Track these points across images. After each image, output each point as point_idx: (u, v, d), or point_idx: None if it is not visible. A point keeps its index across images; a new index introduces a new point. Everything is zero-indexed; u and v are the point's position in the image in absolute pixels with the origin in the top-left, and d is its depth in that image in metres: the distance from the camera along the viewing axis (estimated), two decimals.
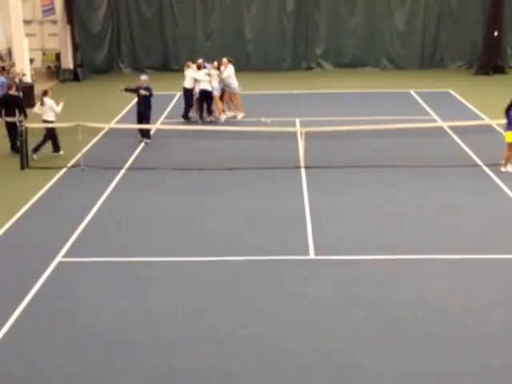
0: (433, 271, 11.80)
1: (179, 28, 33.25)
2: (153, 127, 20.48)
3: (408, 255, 12.39)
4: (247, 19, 32.97)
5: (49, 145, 18.89)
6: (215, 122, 21.96)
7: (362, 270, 11.89)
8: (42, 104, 18.77)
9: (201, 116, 22.19)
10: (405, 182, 16.41)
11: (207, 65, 22.41)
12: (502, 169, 16.91)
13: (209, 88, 21.81)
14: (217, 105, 22.27)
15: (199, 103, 22.24)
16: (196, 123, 21.86)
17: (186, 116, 22.41)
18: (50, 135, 18.84)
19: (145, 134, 19.91)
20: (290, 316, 10.36)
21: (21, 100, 19.84)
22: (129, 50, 33.49)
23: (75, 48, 32.16)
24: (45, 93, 19.06)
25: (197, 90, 22.09)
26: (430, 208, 14.72)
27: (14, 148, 19.00)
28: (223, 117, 22.20)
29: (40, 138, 18.75)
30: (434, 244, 12.87)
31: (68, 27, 32.09)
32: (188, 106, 22.51)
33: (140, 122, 19.90)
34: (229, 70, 22.34)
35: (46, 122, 18.79)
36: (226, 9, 32.97)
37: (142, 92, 19.77)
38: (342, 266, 12.05)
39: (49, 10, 31.71)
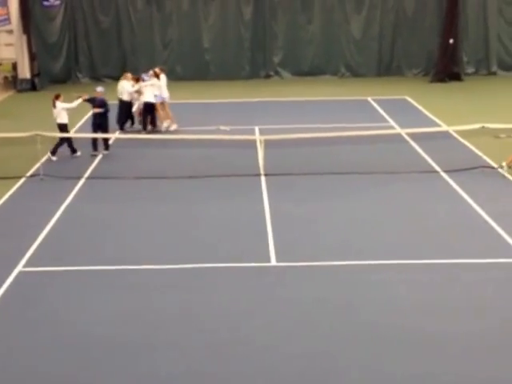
0: (393, 276, 11.95)
1: (137, 37, 33.16)
2: (112, 136, 20.41)
3: (369, 261, 12.52)
4: (205, 28, 33.03)
5: (6, 157, 18.70)
6: (158, 132, 21.90)
7: (322, 276, 12.01)
8: (54, 107, 19.03)
9: (144, 128, 21.88)
10: (364, 188, 16.58)
11: (145, 76, 22.09)
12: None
13: (152, 100, 21.71)
14: (158, 113, 22.21)
15: (143, 115, 21.96)
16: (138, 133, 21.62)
17: (122, 128, 22.08)
18: (64, 138, 19.11)
19: (104, 144, 19.77)
20: (254, 321, 10.42)
21: None
22: (86, 59, 33.28)
23: (32, 58, 31.91)
24: (57, 96, 19.35)
25: (140, 102, 21.97)
26: (389, 214, 14.91)
27: None
28: (165, 124, 22.21)
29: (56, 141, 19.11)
30: (395, 249, 13.03)
31: (24, 37, 31.80)
32: (126, 117, 22.22)
33: (96, 133, 19.71)
34: (162, 80, 22.28)
35: (59, 124, 19.07)
36: (183, 17, 32.99)
37: (96, 110, 19.47)
38: (303, 272, 12.15)
39: (4, 19, 31.38)
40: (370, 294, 11.25)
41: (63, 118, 19.12)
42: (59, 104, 19.09)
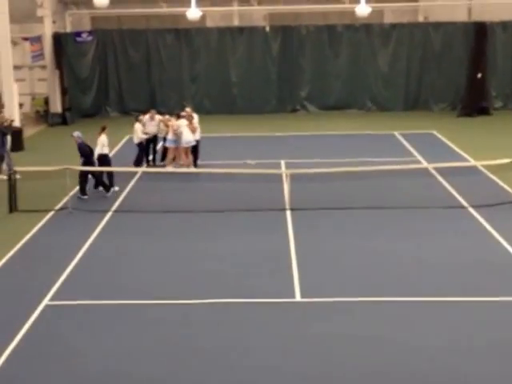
0: (419, 313, 11.86)
1: (165, 71, 33.63)
2: (139, 170, 20.66)
3: (394, 297, 12.43)
4: (232, 62, 33.40)
5: (38, 191, 18.93)
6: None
7: (347, 312, 11.94)
8: (100, 137, 19.56)
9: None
10: (390, 223, 16.53)
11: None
12: None
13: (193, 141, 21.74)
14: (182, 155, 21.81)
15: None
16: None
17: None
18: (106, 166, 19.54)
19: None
20: (277, 358, 10.38)
21: None
22: (116, 93, 33.79)
23: (64, 92, 32.51)
24: (103, 128, 19.89)
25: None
26: (416, 250, 14.80)
27: None
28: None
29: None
30: (421, 286, 12.93)
31: (57, 72, 32.45)
32: (141, 158, 22.16)
33: (96, 181, 19.49)
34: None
35: (99, 155, 19.42)
36: (211, 52, 33.42)
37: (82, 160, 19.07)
38: (327, 308, 12.11)
39: (38, 55, 32.06)
40: (396, 331, 11.15)
41: (103, 150, 19.56)
42: (102, 136, 19.59)
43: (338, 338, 10.94)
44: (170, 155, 21.76)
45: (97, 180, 19.43)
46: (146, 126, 22.11)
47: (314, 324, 11.46)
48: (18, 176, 18.36)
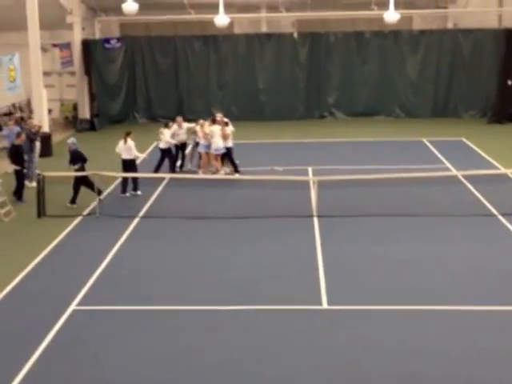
0: (445, 322, 11.73)
1: (193, 78, 33.72)
2: (167, 176, 20.72)
3: (421, 306, 12.30)
4: (260, 69, 33.41)
5: (65, 196, 19.03)
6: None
7: (375, 321, 11.84)
8: (125, 143, 19.76)
9: (236, 170, 21.74)
10: (418, 231, 16.39)
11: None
12: None
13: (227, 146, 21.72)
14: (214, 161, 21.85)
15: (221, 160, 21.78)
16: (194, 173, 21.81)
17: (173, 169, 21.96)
18: (133, 171, 19.96)
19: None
20: (304, 366, 10.31)
21: (22, 150, 20.17)
22: (144, 100, 33.95)
23: (92, 98, 32.77)
24: (128, 133, 20.20)
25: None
26: (443, 258, 14.65)
27: (16, 195, 19.63)
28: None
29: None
30: (447, 294, 12.79)
31: (85, 78, 32.71)
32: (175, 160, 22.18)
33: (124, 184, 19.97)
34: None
35: (125, 160, 19.80)
36: (239, 59, 33.46)
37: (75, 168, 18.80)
38: (355, 316, 12.01)
39: (68, 61, 32.34)
40: (423, 341, 11.02)
41: (130, 154, 19.86)
42: (130, 141, 19.84)
43: (365, 346, 10.84)
44: (201, 161, 21.87)
45: (124, 183, 19.79)
46: (175, 133, 22.15)
47: (341, 332, 11.36)
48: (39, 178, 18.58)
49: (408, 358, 10.46)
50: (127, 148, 19.80)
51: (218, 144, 21.45)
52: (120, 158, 19.99)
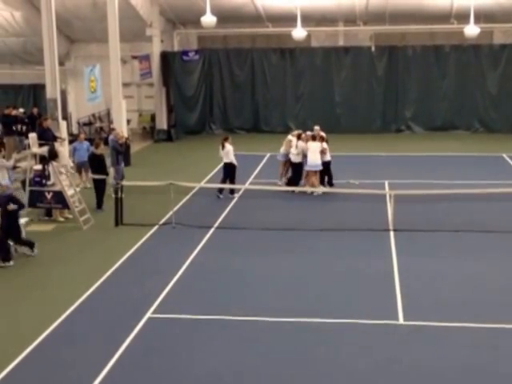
0: None
1: (270, 90, 33.91)
2: (242, 187, 20.85)
3: (497, 324, 11.95)
4: (337, 82, 33.36)
5: (143, 204, 19.33)
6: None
7: (452, 337, 11.58)
8: (223, 148, 20.88)
9: (331, 183, 21.60)
10: (495, 247, 16.01)
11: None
12: None
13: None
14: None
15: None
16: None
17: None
18: (229, 175, 20.93)
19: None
20: (380, 380, 10.16)
21: (103, 158, 20.22)
22: (220, 111, 34.32)
23: (170, 109, 33.31)
24: (225, 138, 21.19)
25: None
26: None
27: (98, 205, 19.94)
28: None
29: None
30: None
31: (164, 90, 33.29)
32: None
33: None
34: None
35: (225, 164, 20.95)
36: (315, 72, 33.49)
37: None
38: (431, 332, 11.78)
39: (146, 73, 32.98)
40: (496, 361, 10.72)
41: (229, 158, 20.82)
42: (228, 145, 20.72)
43: (439, 364, 10.61)
44: (279, 169, 22.16)
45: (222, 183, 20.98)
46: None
47: (417, 348, 11.15)
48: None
49: (483, 379, 10.19)
50: (225, 153, 20.76)
51: (313, 160, 21.03)
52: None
